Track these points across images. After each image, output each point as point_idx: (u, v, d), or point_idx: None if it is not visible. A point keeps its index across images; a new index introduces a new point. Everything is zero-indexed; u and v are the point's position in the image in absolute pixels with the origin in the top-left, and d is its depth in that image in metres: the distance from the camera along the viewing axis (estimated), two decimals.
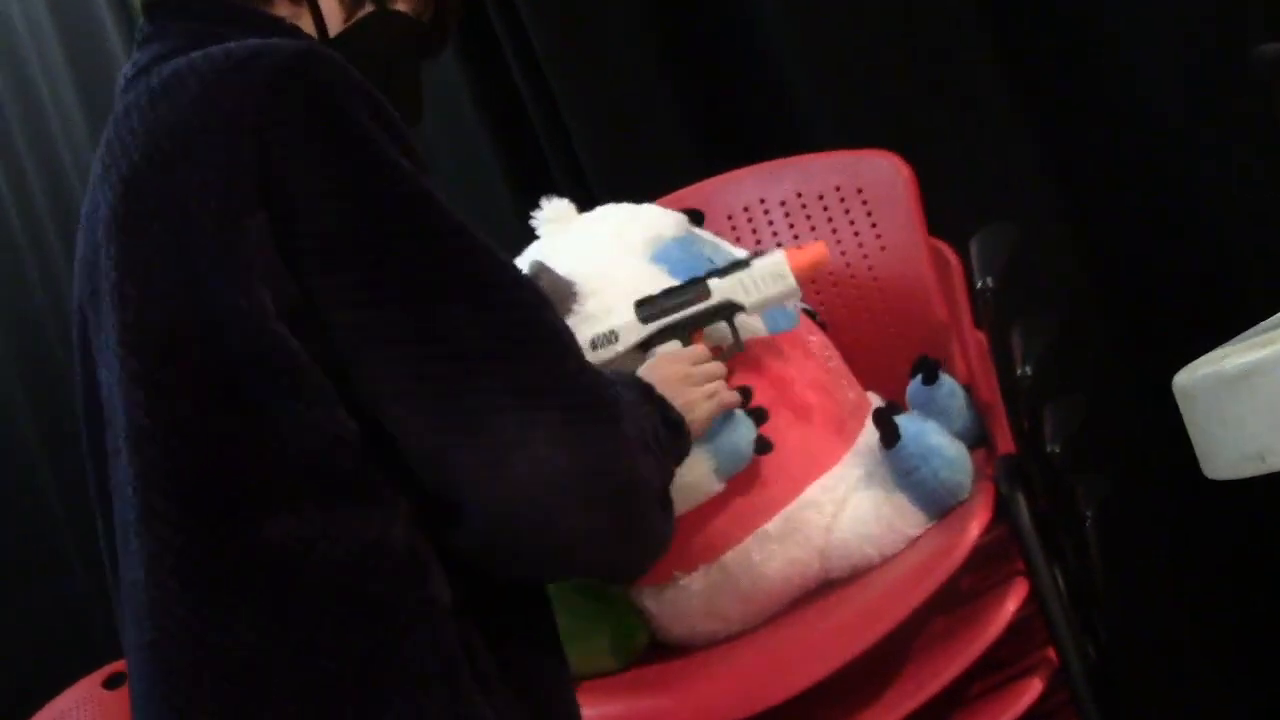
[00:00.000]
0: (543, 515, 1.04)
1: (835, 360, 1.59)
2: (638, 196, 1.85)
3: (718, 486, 1.42)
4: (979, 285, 1.44)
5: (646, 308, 1.42)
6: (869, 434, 1.51)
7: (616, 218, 1.56)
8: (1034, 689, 1.44)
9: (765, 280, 1.44)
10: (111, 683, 1.81)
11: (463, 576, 1.08)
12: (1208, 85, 1.72)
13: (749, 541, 1.46)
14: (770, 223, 1.82)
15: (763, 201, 1.84)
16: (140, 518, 1.08)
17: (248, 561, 1.05)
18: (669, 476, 1.19)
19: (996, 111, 1.89)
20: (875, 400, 1.64)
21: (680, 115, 2.12)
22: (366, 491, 1.05)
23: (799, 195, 1.81)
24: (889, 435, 1.46)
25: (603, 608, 1.53)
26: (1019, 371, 1.48)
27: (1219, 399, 0.85)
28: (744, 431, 1.41)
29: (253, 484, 1.05)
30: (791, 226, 1.81)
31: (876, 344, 1.74)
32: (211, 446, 1.06)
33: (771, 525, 1.45)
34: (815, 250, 1.48)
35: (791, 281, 1.45)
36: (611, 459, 1.07)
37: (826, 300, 1.76)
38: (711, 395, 1.34)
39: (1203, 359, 0.94)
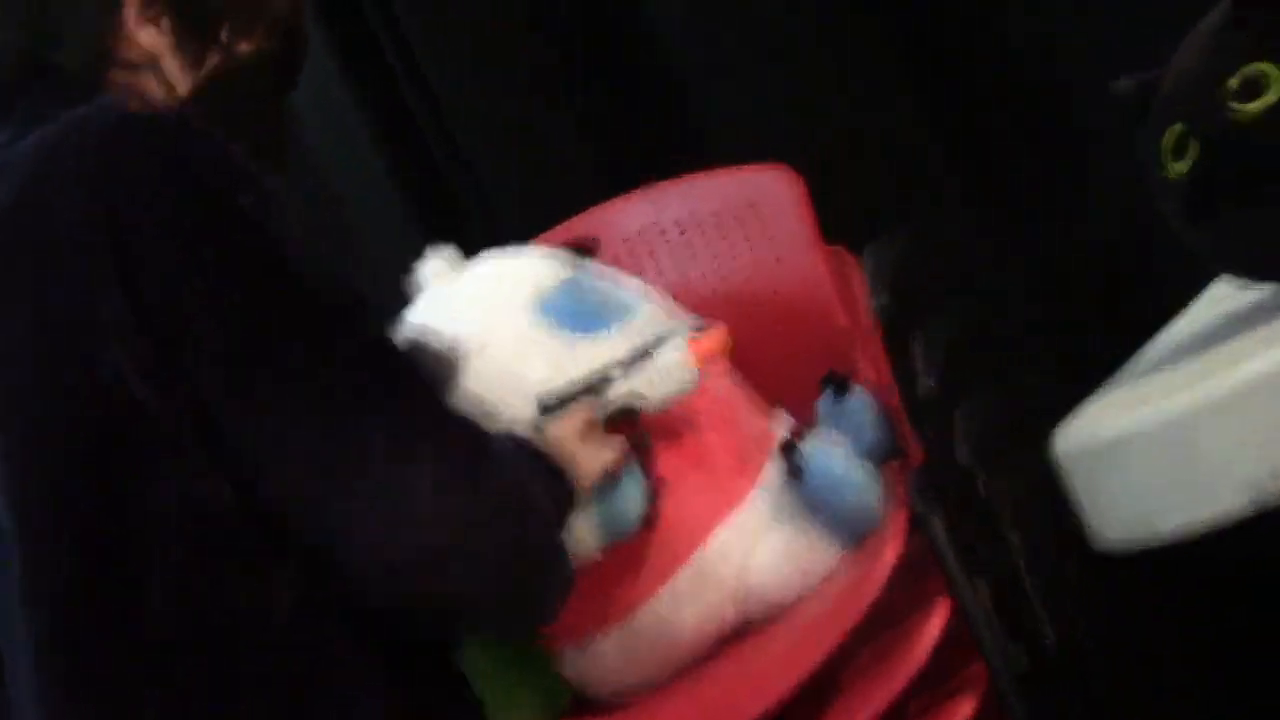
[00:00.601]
0: (434, 564, 1.00)
1: (733, 389, 1.53)
2: (542, 214, 1.82)
3: (596, 550, 1.35)
4: (872, 304, 1.39)
5: (551, 410, 1.36)
6: (775, 465, 1.46)
7: (498, 270, 1.50)
8: (967, 707, 1.41)
9: (668, 375, 1.39)
10: None
11: (370, 641, 1.04)
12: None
13: (659, 597, 1.41)
14: (667, 243, 1.77)
15: (656, 224, 1.78)
16: (25, 600, 1.03)
17: (142, 642, 1.01)
18: (559, 519, 1.16)
19: (900, 114, 1.84)
20: (784, 419, 1.59)
21: (581, 131, 2.06)
22: (255, 558, 1.01)
23: (692, 214, 1.76)
24: (795, 470, 1.41)
25: (523, 672, 1.48)
26: (921, 385, 1.44)
27: (1095, 470, 0.81)
28: (632, 498, 1.36)
29: (138, 558, 1.01)
30: (688, 247, 1.76)
31: (782, 359, 1.69)
32: (88, 528, 1.02)
33: (680, 578, 1.41)
34: (717, 337, 1.44)
35: (695, 375, 1.40)
36: (500, 496, 1.04)
37: (727, 320, 1.70)
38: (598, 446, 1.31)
39: (1078, 418, 0.89)
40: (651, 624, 1.41)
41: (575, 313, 1.45)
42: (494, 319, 1.44)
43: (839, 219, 1.75)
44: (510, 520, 1.04)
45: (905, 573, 1.42)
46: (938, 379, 1.46)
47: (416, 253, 1.95)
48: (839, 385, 1.57)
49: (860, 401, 1.56)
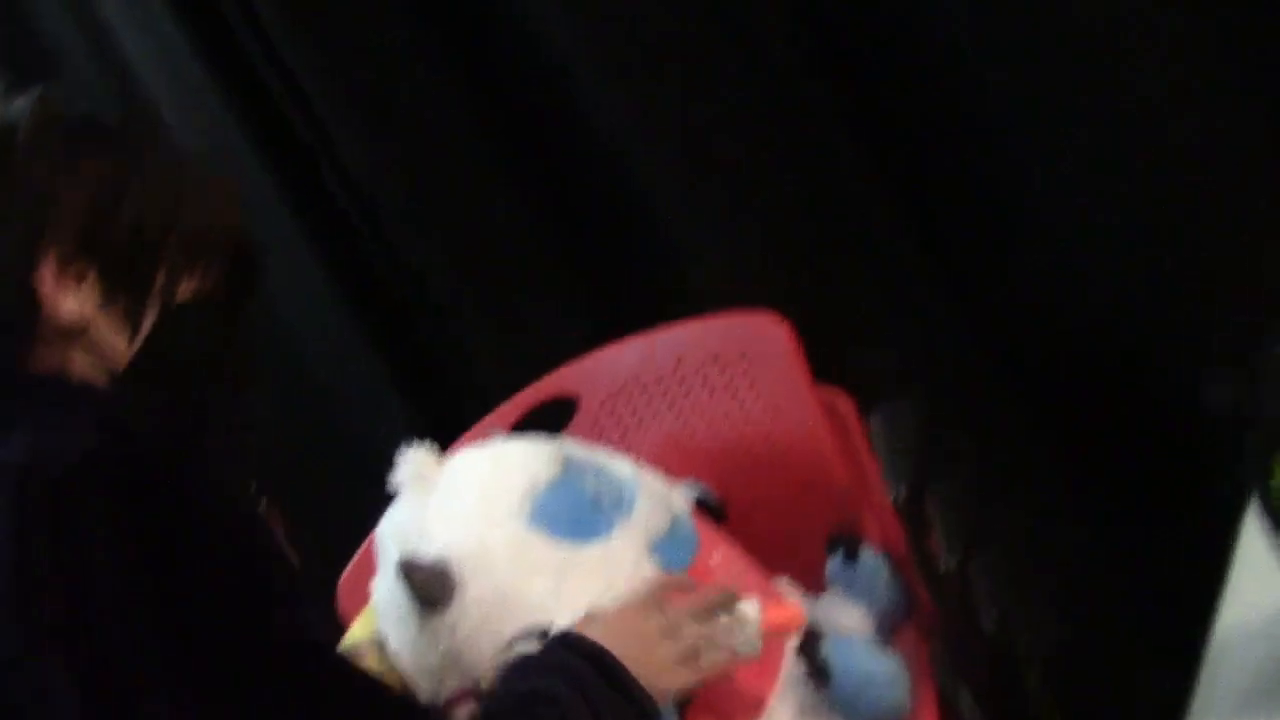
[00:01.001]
0: None
1: (741, 575, 1.44)
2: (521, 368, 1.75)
3: None
4: (892, 498, 1.31)
5: None
6: (794, 660, 1.37)
7: (481, 475, 1.38)
8: None
9: (738, 639, 1.24)
10: None
11: None
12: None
13: None
14: (649, 398, 1.68)
15: (638, 377, 1.69)
16: None
17: None
18: None
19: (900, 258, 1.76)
20: (788, 591, 1.50)
21: (555, 279, 1.97)
22: None
23: (676, 367, 1.68)
24: (819, 672, 1.32)
25: None
26: (943, 568, 1.36)
27: None
28: None
29: None
30: (673, 402, 1.67)
31: (781, 517, 1.60)
32: None
33: None
34: (790, 613, 1.33)
35: (758, 645, 1.25)
36: None
37: (723, 477, 1.61)
38: (689, 656, 1.18)
39: None
40: None
41: (570, 518, 1.34)
42: (485, 534, 1.32)
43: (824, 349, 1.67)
44: None
45: None
46: (960, 555, 1.38)
47: (395, 419, 1.86)
48: (848, 546, 1.49)
49: (872, 564, 1.49)
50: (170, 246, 1.08)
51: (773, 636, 1.28)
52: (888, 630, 1.48)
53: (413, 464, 1.40)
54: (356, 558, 1.65)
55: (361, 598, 1.48)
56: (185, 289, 1.09)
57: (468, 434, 1.71)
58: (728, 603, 1.24)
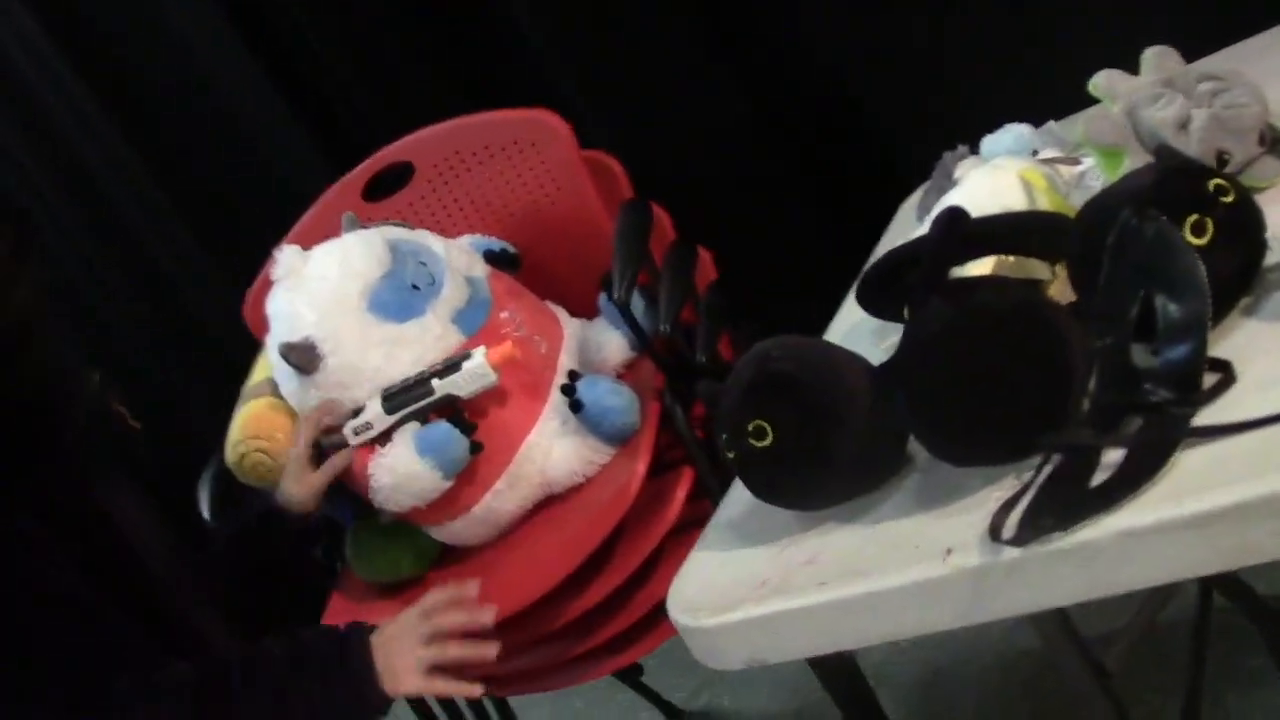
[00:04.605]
0: None
1: (524, 326, 1.88)
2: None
3: (447, 484, 1.77)
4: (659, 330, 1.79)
5: (390, 401, 1.75)
6: (558, 393, 1.87)
7: (331, 274, 1.79)
8: None
9: (473, 378, 1.74)
10: None
11: None
12: None
13: (488, 498, 1.83)
14: (469, 170, 2.11)
15: (459, 152, 2.11)
16: None
17: None
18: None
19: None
20: (563, 319, 1.99)
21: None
22: None
23: (487, 146, 2.09)
24: (574, 405, 1.83)
25: (402, 532, 1.94)
26: (662, 328, 1.83)
27: None
28: (457, 445, 1.76)
29: None
30: (482, 174, 2.09)
31: (565, 262, 2.07)
32: None
33: (501, 482, 1.83)
34: (506, 350, 1.76)
35: (493, 376, 1.74)
36: None
37: (523, 233, 2.08)
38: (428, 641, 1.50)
39: None
40: (484, 512, 1.85)
41: (396, 304, 1.78)
42: (337, 322, 1.77)
43: None
44: None
45: (659, 454, 1.87)
46: (671, 328, 1.85)
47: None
48: (610, 284, 1.95)
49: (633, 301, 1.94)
50: None
51: (502, 364, 1.76)
52: (639, 349, 1.97)
53: (286, 261, 1.84)
54: (257, 283, 2.11)
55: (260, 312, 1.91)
56: None
57: (324, 195, 2.15)
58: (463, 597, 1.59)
